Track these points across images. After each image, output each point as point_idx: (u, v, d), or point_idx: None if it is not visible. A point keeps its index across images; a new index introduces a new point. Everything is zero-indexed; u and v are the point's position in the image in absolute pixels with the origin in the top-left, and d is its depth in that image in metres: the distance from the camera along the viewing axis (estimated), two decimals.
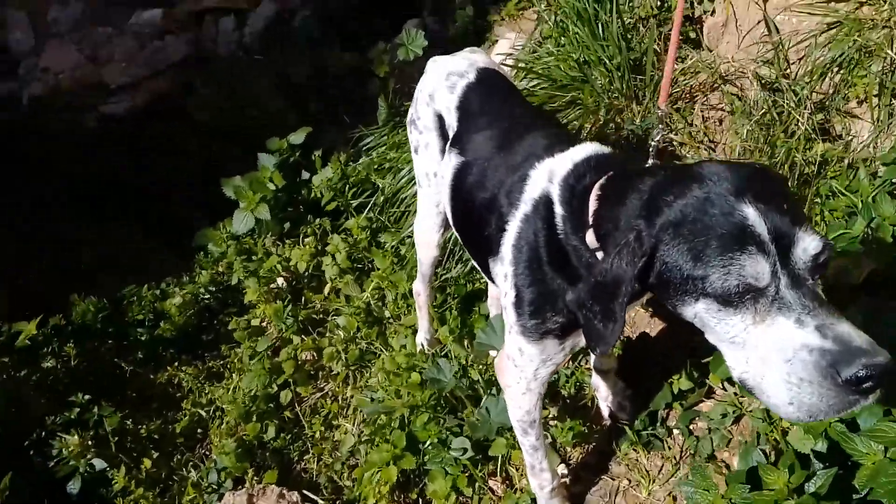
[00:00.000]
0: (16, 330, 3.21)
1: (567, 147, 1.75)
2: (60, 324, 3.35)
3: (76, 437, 2.83)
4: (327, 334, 3.27)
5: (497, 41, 4.59)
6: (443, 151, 2.36)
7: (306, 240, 3.67)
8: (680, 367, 2.43)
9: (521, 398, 1.97)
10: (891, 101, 2.55)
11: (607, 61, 3.29)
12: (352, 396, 3.03)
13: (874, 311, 1.71)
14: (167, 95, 5.35)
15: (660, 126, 1.80)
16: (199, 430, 3.12)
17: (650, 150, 1.74)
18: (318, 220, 3.67)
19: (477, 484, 2.45)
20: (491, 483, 2.47)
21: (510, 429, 2.28)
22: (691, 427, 2.37)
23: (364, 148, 4.08)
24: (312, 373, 3.18)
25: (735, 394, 2.32)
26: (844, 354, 1.09)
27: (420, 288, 2.86)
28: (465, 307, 3.09)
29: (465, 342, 2.91)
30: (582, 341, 1.78)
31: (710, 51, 3.37)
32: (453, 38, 4.61)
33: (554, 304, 1.70)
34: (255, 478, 2.79)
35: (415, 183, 3.10)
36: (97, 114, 5.16)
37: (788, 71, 2.88)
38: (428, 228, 2.55)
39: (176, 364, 3.33)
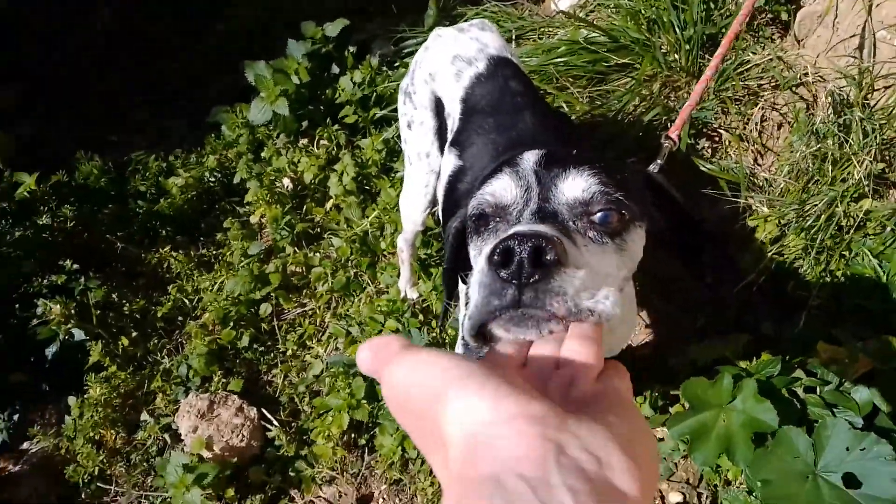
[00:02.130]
0: (16, 180, 3.20)
1: None
2: (62, 180, 3.33)
3: (59, 305, 2.90)
4: (320, 251, 3.23)
5: None
6: (437, 132, 2.21)
7: (321, 143, 3.54)
8: (646, 390, 2.38)
9: None
10: None
11: (678, 30, 2.95)
12: (330, 322, 3.04)
13: (843, 431, 1.62)
14: None
15: (658, 162, 1.60)
16: (179, 318, 3.18)
17: None
18: (335, 126, 3.50)
19: None
20: None
21: None
22: None
23: (403, 51, 3.82)
24: (298, 286, 3.18)
25: None
26: (504, 240, 0.83)
27: (404, 246, 2.78)
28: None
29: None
30: None
31: (798, 41, 3.00)
32: None
33: None
34: (223, 380, 2.87)
35: None
36: None
37: (868, 99, 2.56)
38: (413, 206, 2.44)
39: (169, 247, 3.33)
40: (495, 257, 0.82)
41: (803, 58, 2.87)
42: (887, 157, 2.41)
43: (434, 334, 2.75)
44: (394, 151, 3.41)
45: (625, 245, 1.03)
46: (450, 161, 1.97)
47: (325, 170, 3.36)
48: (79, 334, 2.95)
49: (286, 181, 3.46)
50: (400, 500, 2.51)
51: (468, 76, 2.03)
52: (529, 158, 1.08)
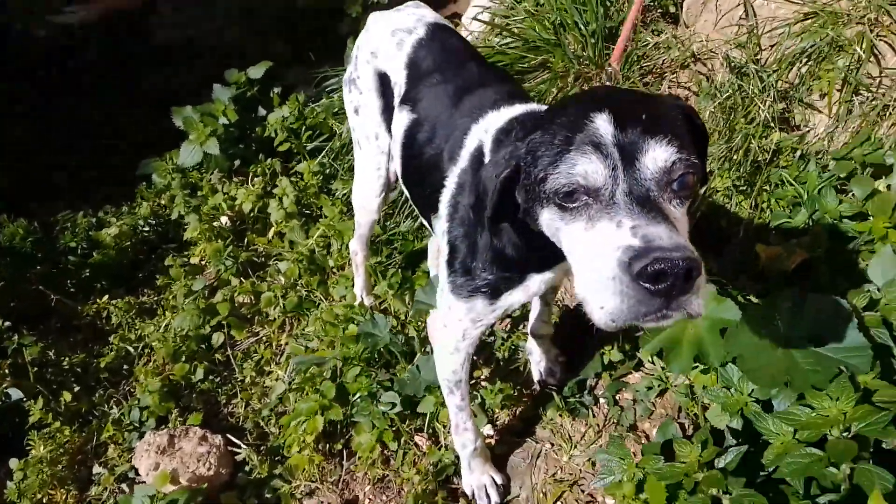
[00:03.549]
0: None
1: (515, 103, 1.68)
2: None
3: None
4: (267, 279, 3.18)
5: None
6: (383, 112, 2.26)
7: (255, 179, 3.55)
8: (613, 338, 2.44)
9: (448, 358, 1.93)
10: (851, 97, 2.55)
11: (582, 27, 3.22)
12: (286, 343, 2.97)
13: (797, 301, 1.73)
14: (125, 12, 5.07)
15: (607, 83, 1.73)
16: (125, 367, 3.03)
17: None
18: (268, 161, 3.54)
19: (403, 439, 2.43)
20: (417, 439, 2.46)
21: (439, 387, 2.28)
22: (617, 397, 2.39)
23: (326, 89, 3.95)
24: (248, 316, 3.11)
25: (662, 368, 2.34)
26: (642, 250, 1.02)
27: (358, 247, 2.79)
28: (409, 263, 3.04)
29: (406, 298, 2.87)
30: (519, 300, 1.74)
31: (687, 27, 3.32)
32: None
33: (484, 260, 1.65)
34: (179, 419, 2.72)
35: None
36: (51, 24, 4.83)
37: (759, 56, 2.85)
38: (367, 192, 2.46)
39: (106, 297, 3.20)
40: (648, 270, 0.99)
41: (696, 36, 3.18)
42: (786, 101, 2.67)
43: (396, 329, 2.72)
44: (330, 176, 3.46)
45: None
46: (403, 117, 2.03)
47: (263, 198, 3.36)
48: (15, 394, 2.76)
49: (224, 219, 3.43)
50: (386, 496, 2.41)
51: (410, 43, 2.12)
52: (605, 129, 1.11)
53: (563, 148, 1.14)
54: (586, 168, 1.11)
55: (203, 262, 3.34)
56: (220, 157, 3.47)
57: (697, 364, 2.00)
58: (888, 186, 2.22)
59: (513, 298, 1.72)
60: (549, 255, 1.44)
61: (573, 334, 2.54)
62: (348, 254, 3.13)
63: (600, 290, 1.08)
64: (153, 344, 2.99)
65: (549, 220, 1.22)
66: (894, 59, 2.49)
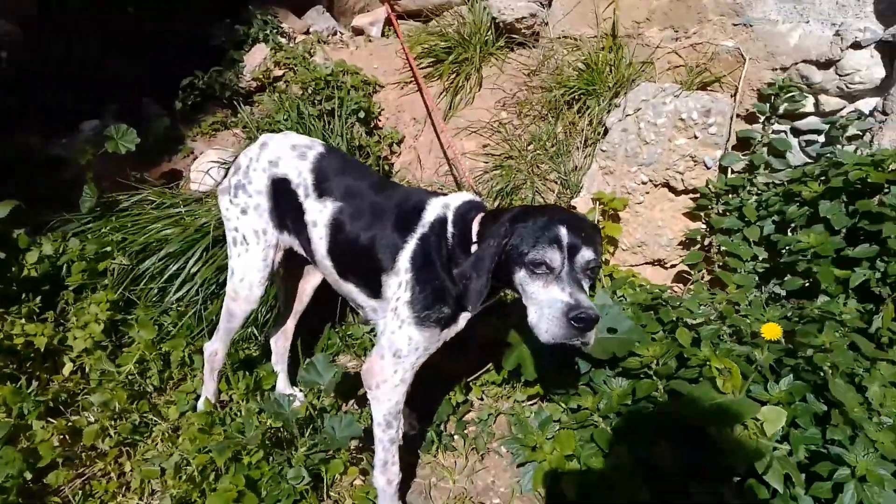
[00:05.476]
0: None
1: (448, 193, 2.50)
2: None
3: None
4: (82, 413, 2.94)
5: (192, 152, 4.90)
6: (272, 212, 2.71)
7: (16, 321, 3.21)
8: (456, 384, 3.21)
9: (393, 391, 2.42)
10: None
11: None
12: (131, 471, 2.80)
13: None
14: None
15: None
16: None
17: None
18: (36, 298, 3.28)
19: None
20: None
21: (356, 438, 2.69)
22: (465, 431, 3.12)
23: (70, 232, 3.83)
24: (64, 459, 2.80)
25: (491, 399, 3.22)
26: (574, 307, 1.96)
27: (219, 347, 2.95)
28: (243, 370, 3.26)
29: (257, 398, 3.10)
30: (451, 333, 2.46)
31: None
32: (151, 144, 4.69)
33: (443, 298, 2.35)
34: None
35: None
36: None
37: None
38: (253, 284, 2.76)
39: None
40: (579, 317, 1.94)
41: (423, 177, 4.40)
42: None
43: None
44: (123, 307, 3.41)
45: None
46: (327, 206, 2.55)
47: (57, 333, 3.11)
48: None
49: None
50: None
51: (312, 155, 2.66)
52: (564, 234, 2.04)
53: (541, 239, 2.06)
54: (551, 255, 2.04)
55: None
56: None
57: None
58: None
59: (450, 331, 2.45)
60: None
61: (421, 392, 3.21)
62: (179, 371, 3.19)
63: (548, 322, 2.00)
64: None
65: (520, 277, 2.10)
66: (556, 191, 4.11)
